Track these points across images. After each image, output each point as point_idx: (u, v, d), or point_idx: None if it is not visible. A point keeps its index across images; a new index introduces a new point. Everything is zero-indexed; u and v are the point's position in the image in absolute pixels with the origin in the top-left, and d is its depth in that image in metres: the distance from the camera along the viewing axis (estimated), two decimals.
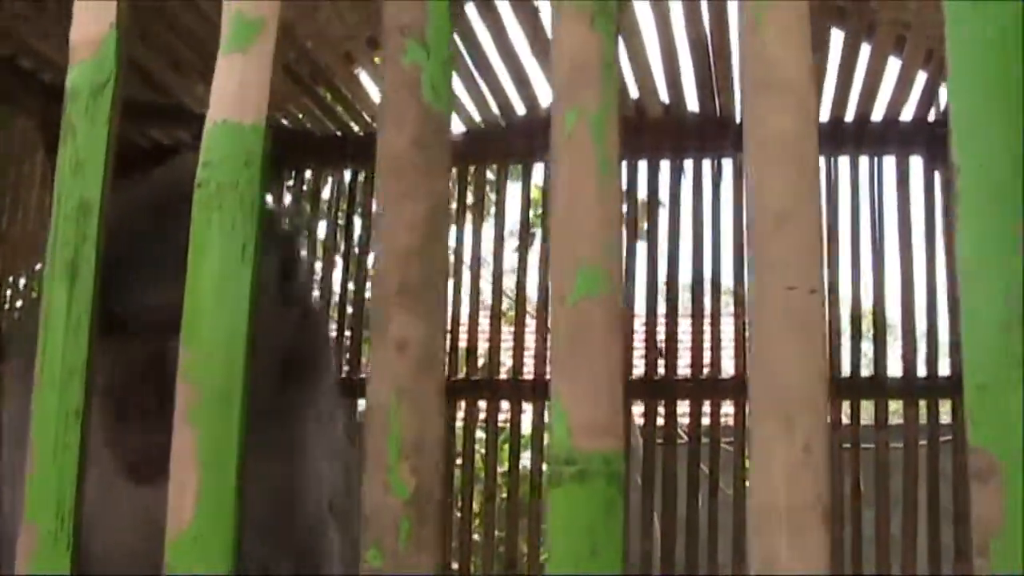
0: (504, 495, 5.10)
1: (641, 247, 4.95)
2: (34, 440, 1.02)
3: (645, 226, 4.95)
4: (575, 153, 0.96)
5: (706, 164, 4.90)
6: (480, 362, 5.20)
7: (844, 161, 4.81)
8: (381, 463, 0.92)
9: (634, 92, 4.64)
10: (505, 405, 5.15)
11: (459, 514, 4.89)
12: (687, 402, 4.84)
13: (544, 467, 4.95)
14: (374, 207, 0.97)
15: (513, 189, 5.48)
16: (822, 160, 4.75)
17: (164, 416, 1.29)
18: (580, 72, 0.98)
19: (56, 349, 1.03)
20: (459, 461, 4.89)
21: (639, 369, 5.05)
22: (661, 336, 4.94)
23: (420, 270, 0.95)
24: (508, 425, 5.12)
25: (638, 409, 5.00)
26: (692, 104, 4.71)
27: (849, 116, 4.68)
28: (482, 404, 4.96)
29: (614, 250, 0.94)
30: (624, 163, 4.87)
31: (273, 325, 1.51)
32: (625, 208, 5.24)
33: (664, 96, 4.67)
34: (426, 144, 0.97)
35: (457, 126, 5.01)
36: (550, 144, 0.98)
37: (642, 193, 4.96)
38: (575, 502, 0.89)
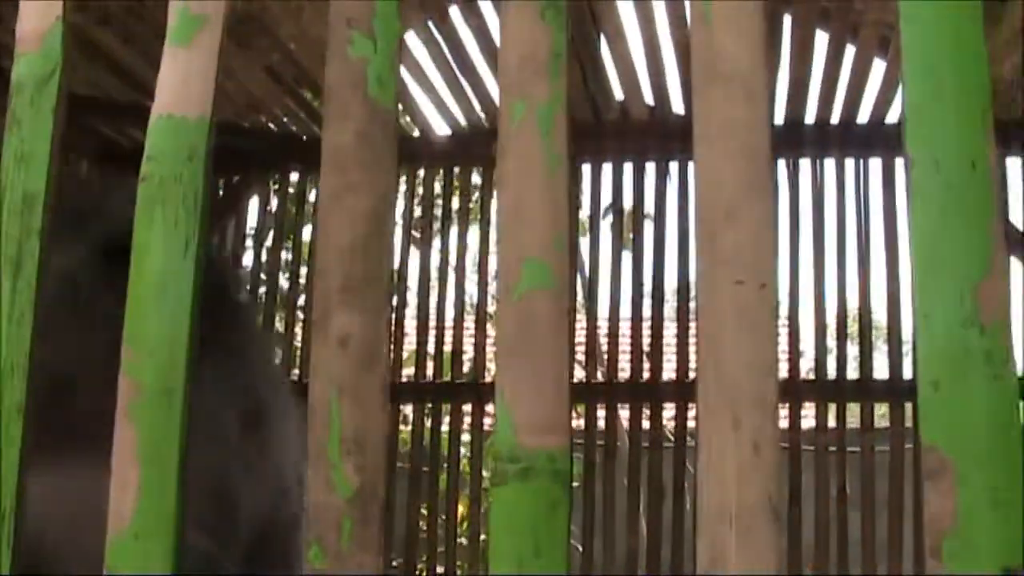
0: (490, 499, 5.08)
1: (626, 249, 4.94)
2: None
3: (631, 234, 4.94)
4: (522, 145, 0.94)
5: (691, 166, 4.88)
6: (466, 366, 5.19)
7: (830, 163, 4.80)
8: (323, 460, 0.90)
9: (619, 94, 4.63)
10: (490, 408, 5.13)
11: (444, 517, 4.88)
12: (672, 405, 4.82)
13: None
14: (317, 202, 0.96)
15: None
16: (807, 163, 4.78)
17: None
18: (528, 64, 0.97)
19: None
20: (445, 465, 4.88)
21: (625, 372, 5.04)
22: (647, 339, 4.93)
23: (363, 266, 0.93)
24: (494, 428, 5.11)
25: (624, 412, 4.99)
26: (677, 106, 4.70)
27: (835, 118, 4.68)
28: (467, 408, 4.95)
29: (561, 244, 0.92)
30: (609, 165, 4.88)
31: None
32: (610, 213, 5.23)
33: (649, 98, 4.66)
34: (371, 139, 0.96)
35: (442, 128, 4.99)
36: (497, 136, 0.96)
37: (627, 195, 4.94)
38: (518, 500, 0.88)
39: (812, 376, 4.77)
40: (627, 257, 4.92)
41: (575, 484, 4.32)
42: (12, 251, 1.03)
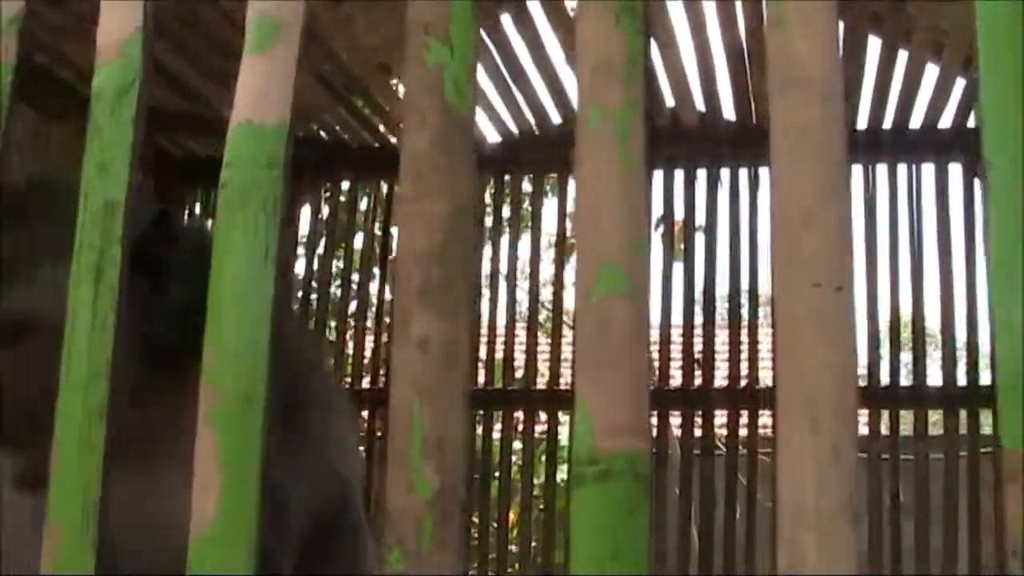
0: (541, 506, 5.09)
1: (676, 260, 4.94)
2: (58, 439, 1.02)
3: (682, 244, 4.93)
4: (598, 151, 0.95)
5: (743, 173, 4.88)
6: (517, 373, 5.20)
7: (882, 169, 4.78)
8: (404, 462, 0.91)
9: (670, 101, 4.63)
10: (542, 416, 5.14)
11: (496, 525, 4.89)
12: (724, 412, 4.81)
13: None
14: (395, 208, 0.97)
15: (549, 199, 5.47)
16: (859, 169, 4.76)
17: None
18: (604, 70, 0.97)
19: (81, 350, 1.03)
20: (496, 472, 4.89)
21: (676, 380, 5.03)
22: (698, 347, 4.93)
23: (442, 270, 0.94)
24: (545, 436, 5.12)
25: (675, 420, 4.99)
26: (728, 112, 4.70)
27: (887, 123, 4.65)
28: (519, 415, 4.96)
29: (639, 249, 0.93)
30: (660, 172, 4.88)
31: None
32: (660, 220, 5.23)
33: (700, 105, 4.66)
34: (449, 145, 0.97)
35: (492, 135, 5.01)
36: (575, 142, 0.97)
37: (678, 203, 4.94)
38: (598, 503, 0.88)
39: (864, 383, 4.76)
40: (678, 264, 4.91)
41: None
42: (94, 258, 1.04)
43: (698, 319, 4.91)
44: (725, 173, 4.90)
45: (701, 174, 4.91)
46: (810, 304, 0.90)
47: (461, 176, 0.97)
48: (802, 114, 0.94)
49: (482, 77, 4.56)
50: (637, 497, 0.88)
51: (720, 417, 4.82)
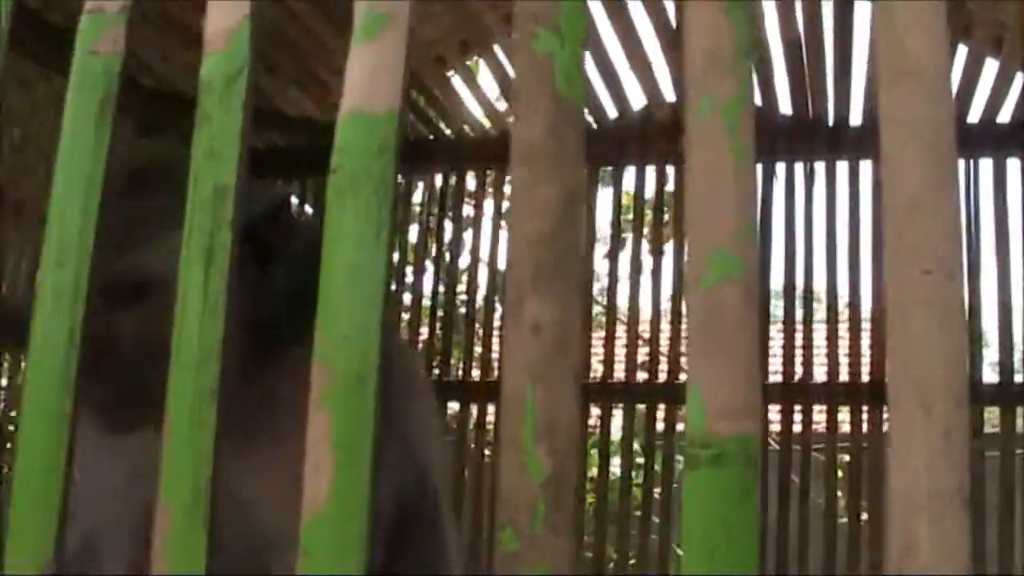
0: (592, 500, 5.09)
1: None
2: (169, 419, 1.04)
3: None
4: (709, 140, 0.96)
5: (798, 167, 4.87)
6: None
7: None
8: (517, 445, 0.92)
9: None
10: (595, 411, 5.15)
11: None
12: (778, 408, 4.80)
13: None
14: (507, 195, 0.98)
15: (604, 194, 5.48)
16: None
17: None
18: (712, 60, 0.98)
19: (192, 331, 1.05)
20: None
21: None
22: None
23: (554, 255, 0.95)
24: (597, 430, 5.12)
25: None
26: (785, 107, 4.69)
27: None
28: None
29: (749, 235, 0.94)
30: None
31: None
32: None
33: (756, 98, 4.65)
34: (560, 133, 0.98)
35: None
36: (684, 131, 0.98)
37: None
38: (710, 486, 0.89)
39: None
40: None
41: None
42: (204, 242, 1.06)
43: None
44: (781, 167, 4.89)
45: (756, 169, 4.89)
46: (921, 291, 0.91)
47: (572, 163, 0.98)
48: (912, 106, 0.94)
49: None
50: (748, 481, 0.90)
51: (773, 413, 4.81)
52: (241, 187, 1.08)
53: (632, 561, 4.93)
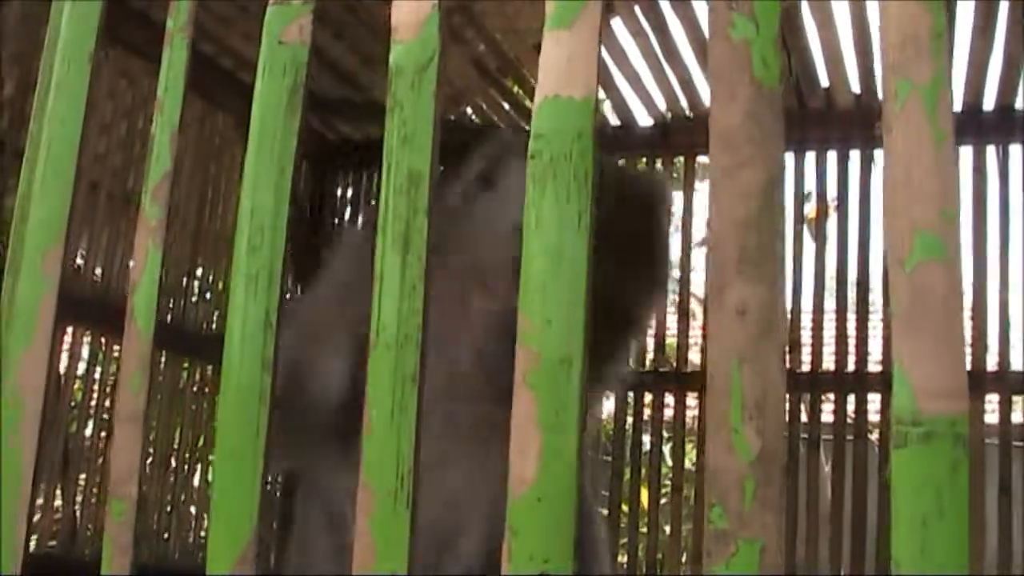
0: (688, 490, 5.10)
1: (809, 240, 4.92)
2: (370, 403, 1.06)
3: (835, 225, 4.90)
4: (909, 123, 0.97)
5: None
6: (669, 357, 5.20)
7: (1015, 150, 4.70)
8: (725, 425, 0.94)
9: (824, 81, 4.59)
10: (691, 400, 5.15)
11: (645, 507, 4.91)
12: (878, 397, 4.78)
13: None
14: (709, 178, 0.99)
15: (701, 183, 5.47)
16: (992, 149, 4.69)
17: None
18: (910, 44, 0.99)
19: (391, 315, 1.07)
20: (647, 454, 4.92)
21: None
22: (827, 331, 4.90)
23: (757, 238, 0.97)
24: (697, 420, 5.12)
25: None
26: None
27: (1019, 103, 4.58)
28: (669, 399, 4.96)
29: (951, 217, 0.94)
30: (812, 154, 4.85)
31: None
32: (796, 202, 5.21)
33: (855, 85, 4.62)
34: (759, 118, 0.99)
35: (644, 119, 5.02)
36: (882, 115, 0.99)
37: (831, 185, 4.90)
38: (921, 463, 0.90)
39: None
40: (829, 249, 4.88)
41: None
42: (400, 227, 1.09)
43: (841, 303, 4.86)
44: (879, 155, 4.85)
45: (855, 155, 4.85)
46: None
47: (772, 147, 0.99)
48: None
49: (636, 59, 4.57)
50: (958, 458, 0.90)
51: (873, 402, 4.79)
52: (435, 172, 1.10)
53: None
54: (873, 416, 4.83)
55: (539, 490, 0.98)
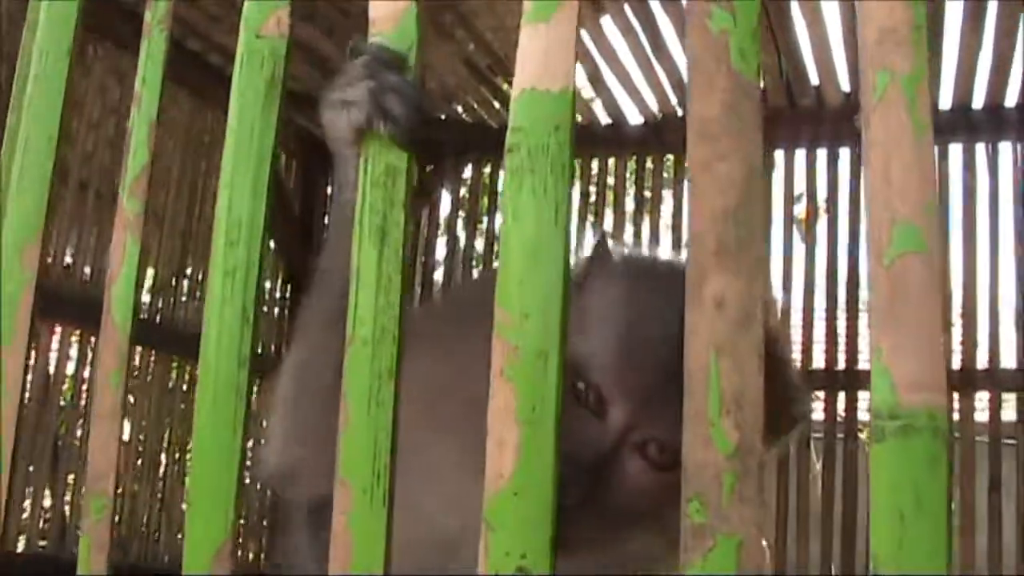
0: None
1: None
2: (346, 398, 1.05)
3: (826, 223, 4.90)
4: (888, 115, 0.96)
5: None
6: None
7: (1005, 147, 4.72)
8: (702, 419, 0.93)
9: (814, 79, 4.60)
10: None
11: None
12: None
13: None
14: (688, 170, 0.99)
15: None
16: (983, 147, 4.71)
17: None
18: (889, 37, 0.98)
19: (367, 310, 1.06)
20: None
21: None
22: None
23: (735, 231, 0.96)
24: None
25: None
26: None
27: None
28: None
29: (931, 209, 0.94)
30: (803, 152, 4.85)
31: None
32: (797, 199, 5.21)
33: (845, 84, 4.63)
34: (738, 109, 0.99)
35: (635, 117, 5.01)
36: (860, 106, 0.98)
37: (821, 183, 4.90)
38: (899, 456, 0.90)
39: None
40: (819, 247, 4.88)
41: None
42: (378, 221, 1.08)
43: (831, 302, 4.87)
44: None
45: (845, 153, 4.86)
46: None
47: (751, 139, 0.98)
48: None
49: (626, 57, 4.56)
50: (937, 451, 0.90)
51: (863, 400, 4.79)
52: (413, 166, 1.09)
53: None
54: (863, 414, 4.83)
55: (516, 485, 0.97)
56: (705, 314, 0.95)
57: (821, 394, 4.81)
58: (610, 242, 1.62)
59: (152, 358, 4.89)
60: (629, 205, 5.36)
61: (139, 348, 4.90)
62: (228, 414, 1.10)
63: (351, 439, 1.05)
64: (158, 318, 4.87)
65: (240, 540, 5.67)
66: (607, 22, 4.37)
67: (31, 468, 4.42)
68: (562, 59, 1.06)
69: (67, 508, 4.46)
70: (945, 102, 4.66)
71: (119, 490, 4.75)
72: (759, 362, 0.95)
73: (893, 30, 0.98)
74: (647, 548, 1.45)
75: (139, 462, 4.85)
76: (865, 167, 0.98)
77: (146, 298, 4.84)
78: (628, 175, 5.21)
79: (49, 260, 4.38)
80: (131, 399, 5.03)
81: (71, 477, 4.51)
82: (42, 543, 4.42)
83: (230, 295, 1.13)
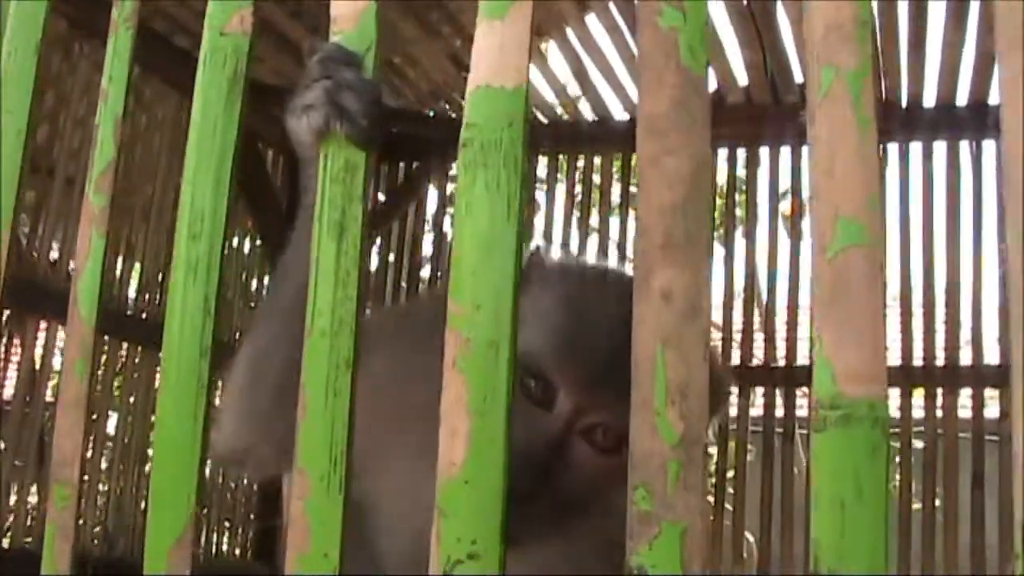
0: None
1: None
2: (305, 388, 1.07)
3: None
4: (833, 111, 0.98)
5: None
6: None
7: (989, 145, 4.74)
8: (648, 409, 0.95)
9: (799, 76, 4.61)
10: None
11: None
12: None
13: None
14: (635, 165, 1.01)
15: None
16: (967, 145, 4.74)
17: None
18: (834, 32, 1.00)
19: (326, 302, 1.08)
20: None
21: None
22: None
23: (683, 225, 0.98)
24: None
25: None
26: None
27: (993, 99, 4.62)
28: None
29: (874, 203, 0.96)
30: (788, 148, 4.86)
31: None
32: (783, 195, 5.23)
33: None
34: (687, 105, 1.00)
35: (620, 114, 5.02)
36: (806, 102, 1.00)
37: (806, 180, 4.92)
38: (840, 446, 0.92)
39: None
40: (804, 243, 4.91)
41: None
42: (336, 216, 1.10)
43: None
44: None
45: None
46: None
47: (699, 134, 1.00)
48: None
49: (611, 55, 4.58)
50: (877, 441, 0.92)
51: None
52: (371, 161, 1.11)
53: None
54: None
55: (468, 473, 0.99)
56: (652, 306, 0.97)
57: (805, 390, 4.83)
58: (543, 252, 1.72)
59: (138, 354, 4.91)
60: (615, 201, 5.40)
61: (125, 344, 4.93)
62: (190, 403, 1.12)
63: (309, 427, 1.06)
64: (144, 314, 4.89)
65: (227, 535, 5.68)
66: (592, 20, 4.39)
67: (16, 463, 4.44)
68: (516, 56, 1.07)
69: None
70: (929, 100, 4.69)
71: (105, 487, 4.75)
72: (705, 353, 0.97)
73: (839, 26, 1.00)
74: (601, 532, 1.48)
75: (126, 457, 4.86)
76: (810, 162, 0.99)
77: (132, 294, 4.87)
78: (614, 172, 5.26)
79: (35, 255, 4.41)
80: (117, 395, 5.05)
81: None
82: (27, 540, 4.43)
83: (192, 287, 1.15)
